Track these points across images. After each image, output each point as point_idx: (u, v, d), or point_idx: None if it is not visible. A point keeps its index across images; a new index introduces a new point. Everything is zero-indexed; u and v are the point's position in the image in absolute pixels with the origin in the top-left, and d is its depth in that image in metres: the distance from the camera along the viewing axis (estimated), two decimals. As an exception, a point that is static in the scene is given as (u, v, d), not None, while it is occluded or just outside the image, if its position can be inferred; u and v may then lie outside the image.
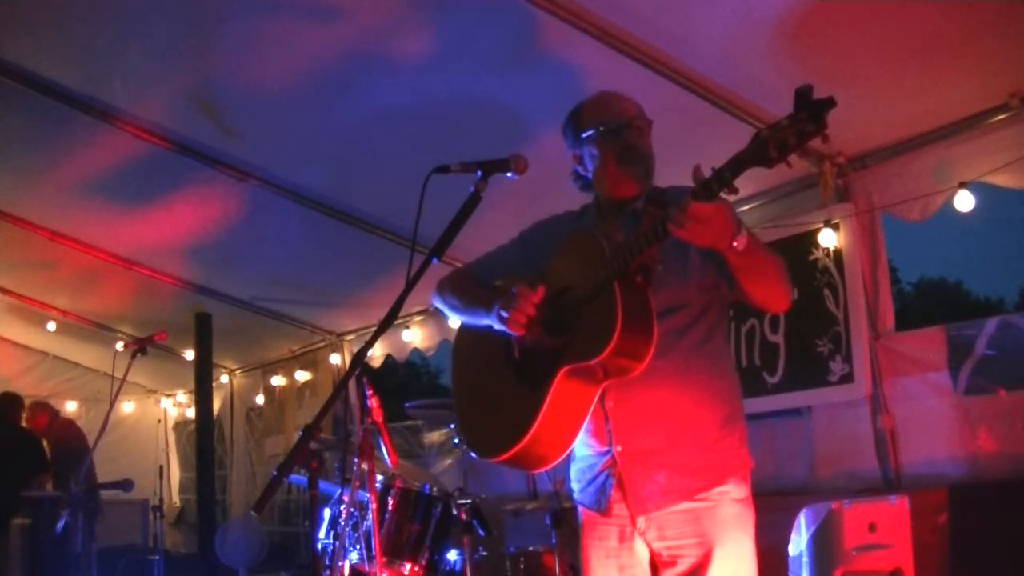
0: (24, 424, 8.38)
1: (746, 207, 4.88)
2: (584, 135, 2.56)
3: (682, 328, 2.45)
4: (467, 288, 2.72)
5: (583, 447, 2.54)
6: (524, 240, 2.77)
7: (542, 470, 2.49)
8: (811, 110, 1.87)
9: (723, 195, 2.03)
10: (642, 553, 2.48)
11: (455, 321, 2.94)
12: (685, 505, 2.42)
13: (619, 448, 2.45)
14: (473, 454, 2.62)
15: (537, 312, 2.42)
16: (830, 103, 1.86)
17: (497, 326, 2.47)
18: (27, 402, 8.85)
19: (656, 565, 2.48)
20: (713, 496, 2.42)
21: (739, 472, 2.47)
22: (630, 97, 2.60)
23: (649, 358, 2.27)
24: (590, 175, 2.59)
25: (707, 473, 2.42)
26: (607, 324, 2.23)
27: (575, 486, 2.62)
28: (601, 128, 2.52)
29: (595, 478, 2.52)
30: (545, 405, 2.34)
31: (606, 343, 2.22)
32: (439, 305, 2.81)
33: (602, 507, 2.51)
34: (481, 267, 2.80)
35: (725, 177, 2.01)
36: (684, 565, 2.41)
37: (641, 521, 2.45)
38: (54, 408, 8.81)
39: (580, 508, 2.63)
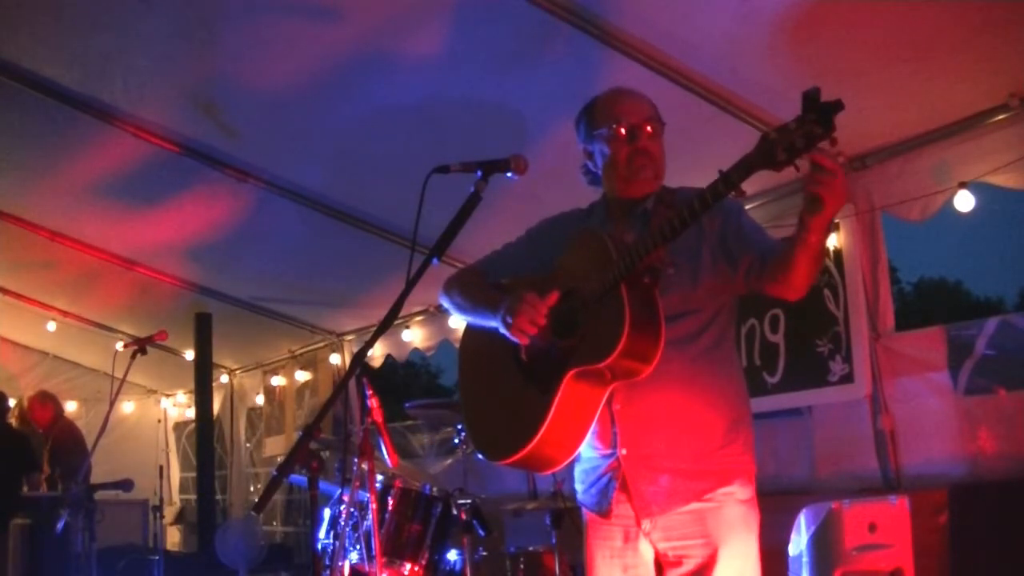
0: (26, 414, 8.37)
1: (746, 207, 4.87)
2: (596, 132, 2.54)
3: (692, 333, 2.43)
4: (474, 288, 2.69)
5: (588, 448, 2.53)
6: (532, 238, 2.75)
7: (550, 472, 2.49)
8: (819, 112, 1.87)
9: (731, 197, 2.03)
10: (647, 553, 2.48)
11: (456, 320, 2.93)
12: (691, 505, 2.41)
13: (624, 451, 2.44)
14: (481, 456, 2.62)
15: (545, 317, 2.39)
16: (838, 105, 1.86)
17: (503, 331, 2.45)
18: (31, 392, 8.85)
19: (661, 565, 2.48)
20: (719, 496, 2.42)
21: (744, 475, 2.46)
22: (646, 97, 2.57)
23: (657, 360, 2.26)
24: (600, 172, 2.57)
25: (710, 477, 2.42)
26: (615, 326, 2.22)
27: (579, 487, 2.62)
28: (613, 126, 2.49)
29: (598, 480, 2.52)
30: (553, 407, 2.33)
31: (614, 345, 2.21)
32: (446, 304, 2.77)
33: (603, 509, 2.50)
34: (489, 266, 2.77)
35: (732, 180, 2.01)
36: (689, 565, 2.41)
37: (646, 523, 2.45)
38: (60, 404, 8.76)
39: (584, 509, 2.62)
